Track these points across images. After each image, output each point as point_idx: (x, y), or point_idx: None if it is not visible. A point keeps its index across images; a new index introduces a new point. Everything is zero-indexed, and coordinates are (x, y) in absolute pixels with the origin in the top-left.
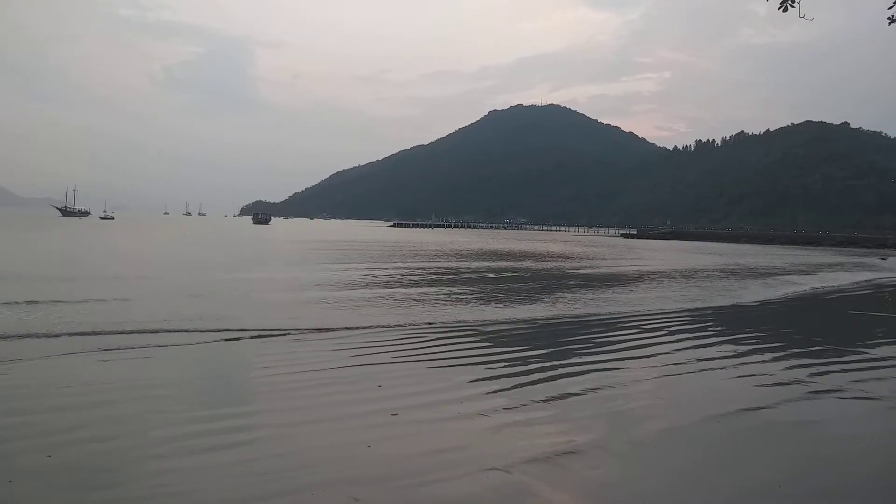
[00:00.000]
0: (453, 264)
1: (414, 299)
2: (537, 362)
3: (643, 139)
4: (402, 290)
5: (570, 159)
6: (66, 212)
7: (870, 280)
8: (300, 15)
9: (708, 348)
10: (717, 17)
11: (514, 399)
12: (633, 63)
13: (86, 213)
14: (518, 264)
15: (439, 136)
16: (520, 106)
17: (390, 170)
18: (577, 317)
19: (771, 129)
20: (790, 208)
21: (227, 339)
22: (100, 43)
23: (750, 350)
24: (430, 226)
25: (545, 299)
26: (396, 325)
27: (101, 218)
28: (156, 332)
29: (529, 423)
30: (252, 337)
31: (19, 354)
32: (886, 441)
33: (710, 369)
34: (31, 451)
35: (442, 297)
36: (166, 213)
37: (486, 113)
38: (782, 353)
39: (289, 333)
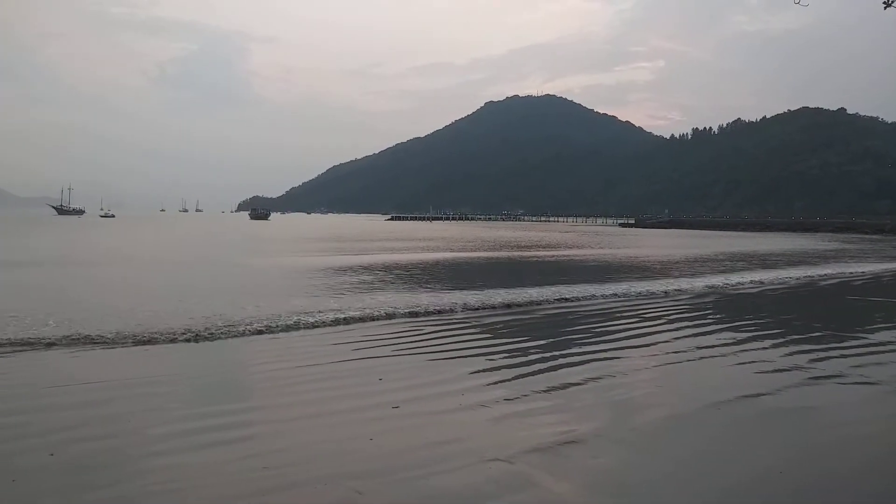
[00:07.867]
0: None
1: None
2: (537, 353)
3: (639, 128)
4: None
5: (566, 149)
6: (61, 210)
7: None
8: (290, 9)
9: (707, 336)
10: (709, 4)
11: (515, 390)
12: (627, 52)
13: (81, 212)
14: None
15: (435, 129)
16: (516, 97)
17: (386, 163)
18: (576, 306)
19: (767, 117)
20: (787, 195)
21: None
22: (90, 41)
23: (749, 337)
24: (428, 219)
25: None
26: (398, 319)
27: (101, 216)
28: None
29: (530, 414)
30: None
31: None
32: (886, 426)
33: (710, 357)
34: (34, 451)
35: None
36: (162, 210)
37: (483, 104)
38: (782, 340)
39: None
